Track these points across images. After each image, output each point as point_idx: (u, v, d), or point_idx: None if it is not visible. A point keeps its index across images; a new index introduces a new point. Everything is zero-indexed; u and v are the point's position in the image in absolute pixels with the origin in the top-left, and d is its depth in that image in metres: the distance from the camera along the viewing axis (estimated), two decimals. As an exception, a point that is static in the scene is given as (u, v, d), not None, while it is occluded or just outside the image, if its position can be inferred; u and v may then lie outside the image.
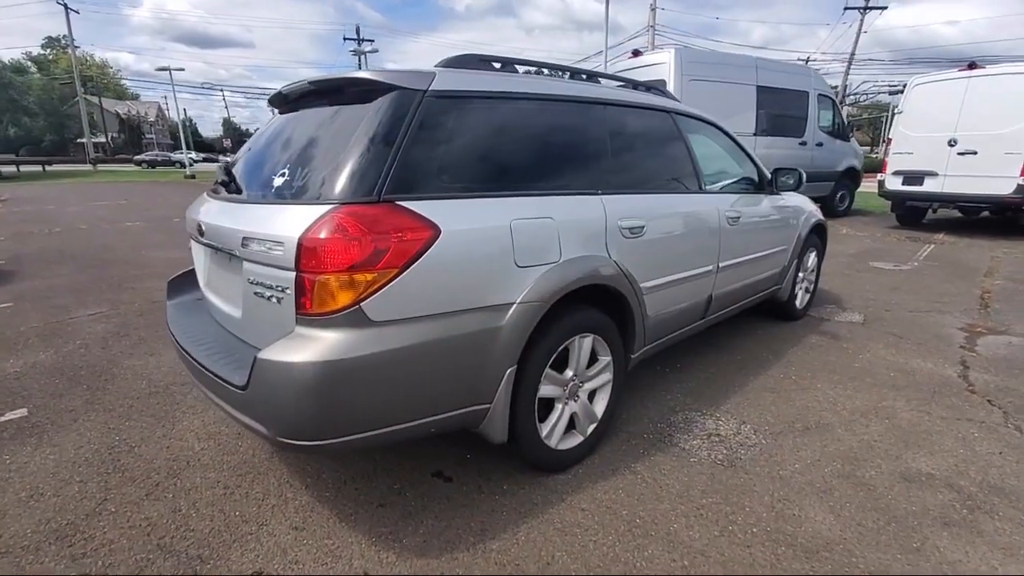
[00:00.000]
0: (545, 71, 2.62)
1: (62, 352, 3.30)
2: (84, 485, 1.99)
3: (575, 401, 2.04)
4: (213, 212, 1.83)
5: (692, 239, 2.58)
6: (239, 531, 1.74)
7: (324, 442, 1.44)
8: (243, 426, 1.57)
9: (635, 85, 2.68)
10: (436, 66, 1.87)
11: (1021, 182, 6.93)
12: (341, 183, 1.47)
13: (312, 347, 1.39)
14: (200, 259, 2.10)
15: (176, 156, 41.02)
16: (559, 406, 1.99)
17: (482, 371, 1.66)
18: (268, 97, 2.21)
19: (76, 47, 40.07)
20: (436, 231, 1.50)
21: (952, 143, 7.56)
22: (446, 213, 1.55)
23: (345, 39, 39.76)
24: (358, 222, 1.39)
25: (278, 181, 1.64)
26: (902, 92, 8.71)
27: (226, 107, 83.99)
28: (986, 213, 7.46)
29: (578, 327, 1.94)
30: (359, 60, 35.47)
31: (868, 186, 10.78)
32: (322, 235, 1.37)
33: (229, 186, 1.88)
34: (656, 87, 2.82)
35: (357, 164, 1.48)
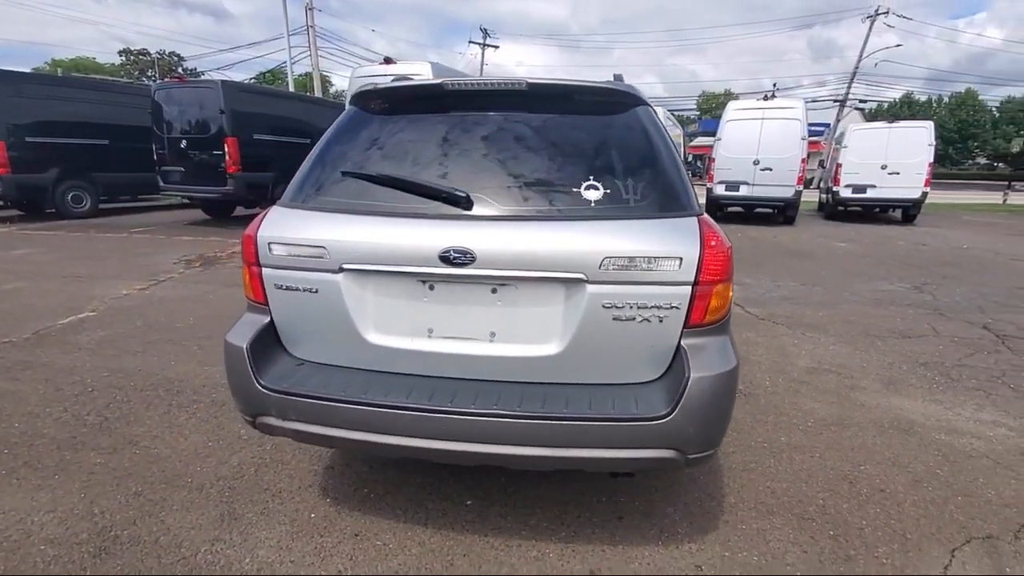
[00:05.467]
0: None
1: None
2: None
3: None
4: (484, 235, 1.44)
5: None
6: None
7: (719, 446, 1.50)
8: (626, 465, 1.48)
9: None
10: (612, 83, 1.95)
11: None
12: (684, 196, 1.54)
13: (723, 354, 1.47)
14: (364, 299, 1.52)
15: None
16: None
17: None
18: (382, 89, 1.74)
19: None
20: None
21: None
22: None
23: None
24: (720, 231, 1.51)
25: (593, 195, 1.48)
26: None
27: None
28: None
29: None
30: None
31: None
32: (716, 245, 1.45)
33: (460, 203, 1.46)
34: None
35: (677, 177, 1.56)
